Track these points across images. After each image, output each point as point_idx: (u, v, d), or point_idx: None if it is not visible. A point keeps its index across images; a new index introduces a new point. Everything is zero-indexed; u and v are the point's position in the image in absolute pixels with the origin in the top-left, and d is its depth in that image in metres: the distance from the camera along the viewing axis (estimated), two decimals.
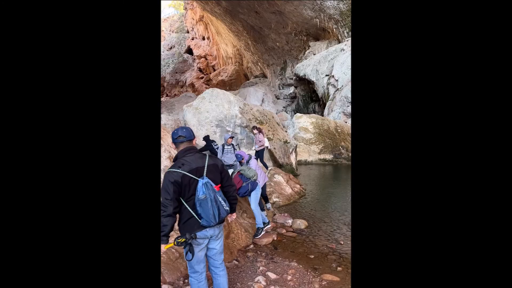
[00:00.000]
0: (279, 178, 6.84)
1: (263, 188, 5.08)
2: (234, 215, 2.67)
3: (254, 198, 4.49)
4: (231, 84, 27.56)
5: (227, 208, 2.22)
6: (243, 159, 4.81)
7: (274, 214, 5.38)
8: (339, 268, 3.44)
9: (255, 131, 7.79)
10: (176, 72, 34.53)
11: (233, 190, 2.42)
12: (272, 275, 3.29)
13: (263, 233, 4.40)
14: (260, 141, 7.71)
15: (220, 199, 2.17)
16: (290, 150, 9.41)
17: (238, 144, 7.15)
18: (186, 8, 35.15)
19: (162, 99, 32.24)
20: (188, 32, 35.92)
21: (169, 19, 42.11)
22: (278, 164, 9.12)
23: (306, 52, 18.21)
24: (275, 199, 6.24)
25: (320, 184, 7.97)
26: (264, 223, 4.66)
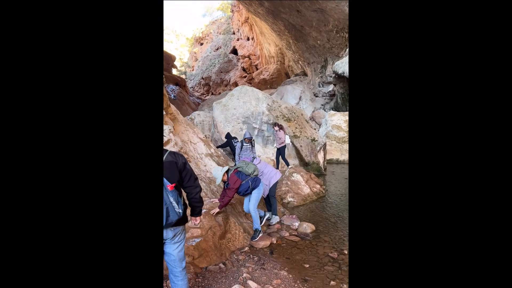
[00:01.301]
0: (298, 177, 6.33)
1: (273, 187, 4.65)
2: (198, 219, 2.41)
3: (255, 197, 4.08)
4: (272, 83, 27.18)
5: (179, 211, 1.98)
6: None
7: (283, 215, 4.92)
8: (332, 282, 2.92)
9: (276, 128, 7.40)
10: (221, 72, 34.99)
11: (197, 192, 2.22)
12: (253, 285, 2.87)
13: (260, 235, 3.99)
14: (280, 138, 7.31)
15: (171, 199, 1.95)
16: (318, 148, 8.78)
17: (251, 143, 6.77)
18: (233, 10, 35.59)
19: (207, 97, 33.14)
20: (234, 33, 36.33)
21: (217, 22, 42.98)
22: (304, 163, 8.56)
23: (347, 50, 17.18)
24: (289, 199, 5.77)
25: (345, 186, 7.26)
26: (260, 217, 4.29)
